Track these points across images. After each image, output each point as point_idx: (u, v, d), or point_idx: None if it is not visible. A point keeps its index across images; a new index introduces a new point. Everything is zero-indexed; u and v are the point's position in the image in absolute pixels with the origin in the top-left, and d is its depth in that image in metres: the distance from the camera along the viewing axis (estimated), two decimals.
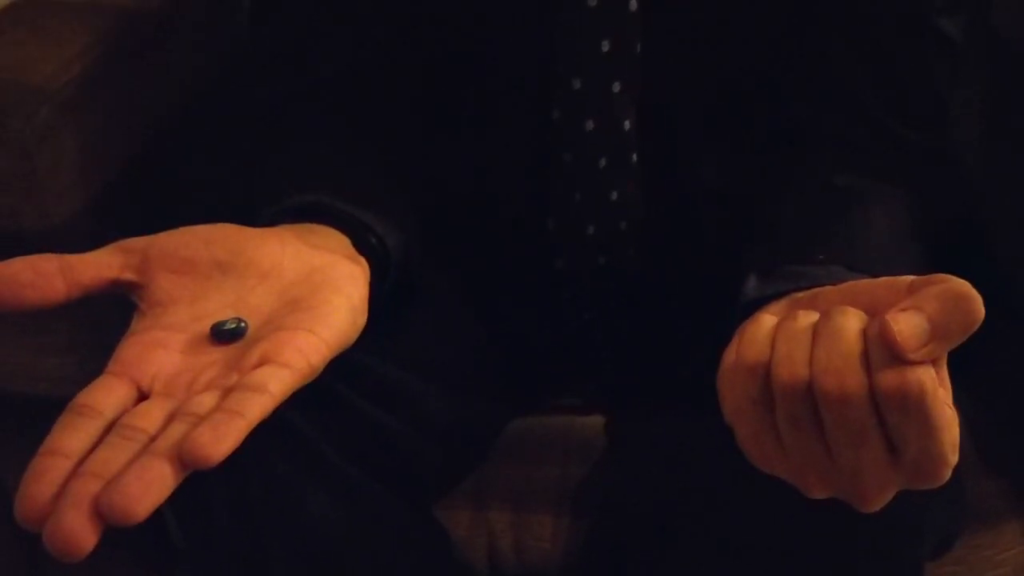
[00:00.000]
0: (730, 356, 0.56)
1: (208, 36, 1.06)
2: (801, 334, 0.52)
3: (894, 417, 0.50)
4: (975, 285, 0.50)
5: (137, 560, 0.94)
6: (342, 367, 0.59)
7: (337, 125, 0.79)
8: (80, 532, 0.46)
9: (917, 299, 0.49)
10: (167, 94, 0.99)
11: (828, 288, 0.57)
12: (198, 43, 1.05)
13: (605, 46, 0.77)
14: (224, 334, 0.56)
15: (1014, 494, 0.85)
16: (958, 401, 0.52)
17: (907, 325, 0.49)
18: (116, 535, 0.47)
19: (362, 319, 0.61)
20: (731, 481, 0.65)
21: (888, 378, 0.49)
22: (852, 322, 0.51)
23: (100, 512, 0.46)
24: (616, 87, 0.78)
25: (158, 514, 0.71)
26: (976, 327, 0.49)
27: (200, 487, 0.68)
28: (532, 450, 0.88)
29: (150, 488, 0.47)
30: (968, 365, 0.58)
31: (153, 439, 0.50)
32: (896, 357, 0.49)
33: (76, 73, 0.87)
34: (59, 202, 0.85)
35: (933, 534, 0.73)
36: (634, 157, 0.80)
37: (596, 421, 0.90)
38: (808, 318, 0.53)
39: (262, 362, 0.54)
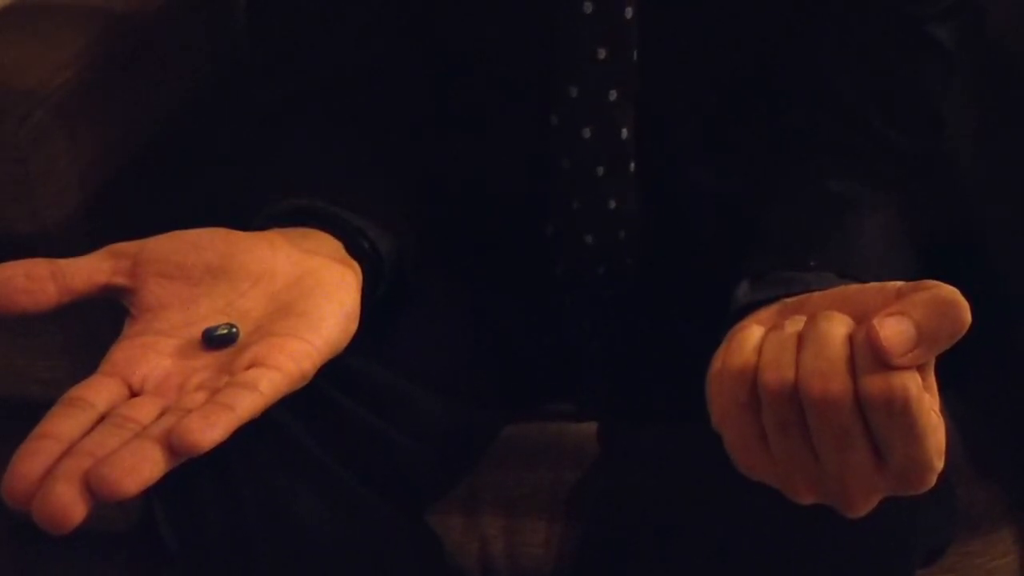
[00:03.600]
0: (718, 361, 0.56)
1: (204, 39, 1.06)
2: (788, 338, 0.52)
3: (879, 421, 0.50)
4: (967, 290, 0.50)
5: (128, 561, 0.94)
6: (335, 372, 0.59)
7: (333, 129, 0.79)
8: (70, 504, 0.46)
9: (904, 304, 0.49)
10: (162, 98, 0.99)
11: (817, 294, 0.57)
12: (194, 46, 1.05)
13: (601, 53, 0.77)
14: (215, 340, 0.56)
15: (1006, 501, 0.85)
16: (951, 407, 0.52)
17: (893, 330, 0.49)
18: (109, 537, 0.47)
19: (354, 325, 0.61)
20: (722, 488, 0.65)
21: (873, 383, 0.49)
22: (838, 327, 0.51)
23: (90, 486, 0.46)
24: (613, 95, 0.78)
25: (150, 516, 0.71)
26: (963, 333, 0.49)
27: (192, 489, 0.68)
28: (525, 456, 0.88)
29: (141, 465, 0.47)
30: (962, 372, 0.58)
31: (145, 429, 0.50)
32: (882, 362, 0.49)
33: (70, 76, 0.87)
34: (51, 206, 0.85)
35: (924, 541, 0.73)
36: (632, 166, 0.80)
37: (589, 427, 0.90)
38: (795, 323, 0.53)
39: (252, 366, 0.54)
